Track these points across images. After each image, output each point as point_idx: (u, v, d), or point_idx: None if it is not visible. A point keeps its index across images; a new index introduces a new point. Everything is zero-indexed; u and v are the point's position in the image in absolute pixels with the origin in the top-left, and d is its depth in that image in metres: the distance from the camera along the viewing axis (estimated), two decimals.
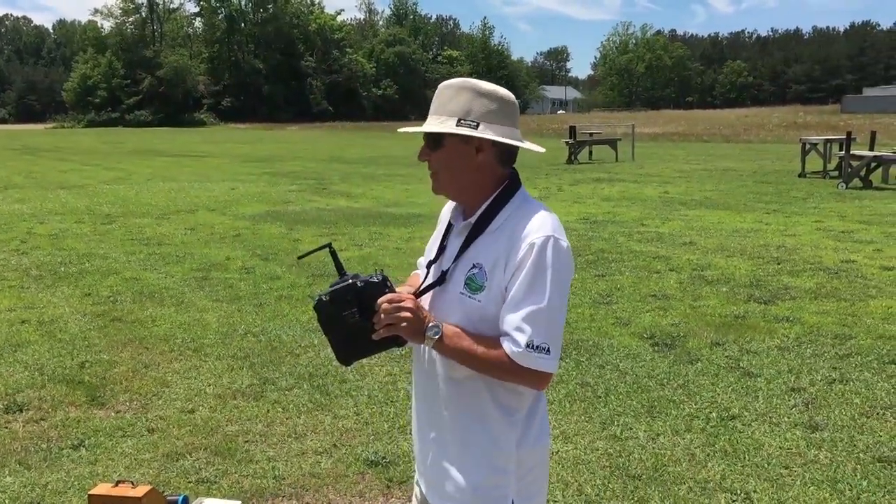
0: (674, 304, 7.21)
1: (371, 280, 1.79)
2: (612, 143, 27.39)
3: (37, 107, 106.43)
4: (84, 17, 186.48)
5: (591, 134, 30.47)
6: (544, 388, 1.86)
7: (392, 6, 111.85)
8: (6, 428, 4.53)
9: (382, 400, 4.94)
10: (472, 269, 1.87)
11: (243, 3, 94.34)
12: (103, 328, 6.60)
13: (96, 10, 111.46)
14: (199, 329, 6.55)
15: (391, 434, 4.42)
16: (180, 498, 3.55)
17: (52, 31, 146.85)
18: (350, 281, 1.80)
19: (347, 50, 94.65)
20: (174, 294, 7.80)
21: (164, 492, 3.58)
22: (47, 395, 5.03)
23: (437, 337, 1.79)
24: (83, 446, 4.26)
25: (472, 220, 1.91)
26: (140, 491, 3.30)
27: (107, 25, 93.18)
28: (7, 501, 3.63)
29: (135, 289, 8.02)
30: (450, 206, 2.04)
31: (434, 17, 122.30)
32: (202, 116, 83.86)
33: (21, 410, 4.77)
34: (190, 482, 3.82)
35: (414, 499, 2.16)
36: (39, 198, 16.55)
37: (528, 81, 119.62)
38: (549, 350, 1.77)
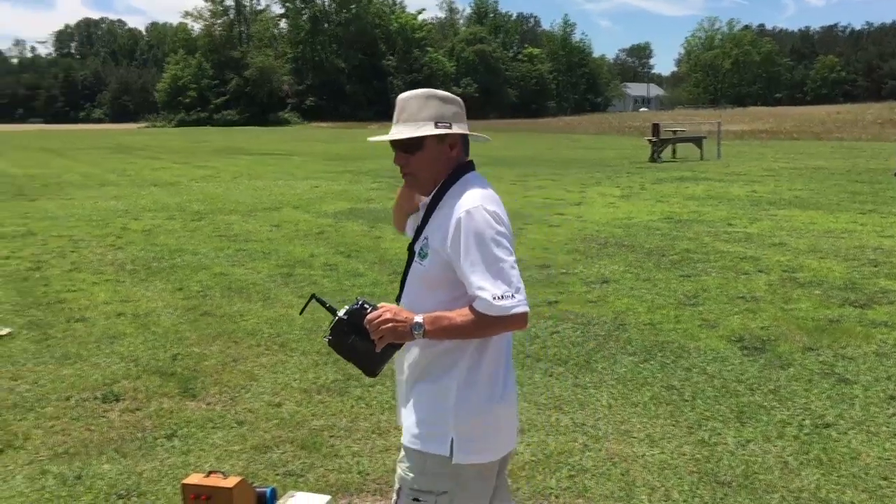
0: (763, 306, 7.00)
1: (352, 309, 2.17)
2: (697, 140, 26.79)
3: (130, 107, 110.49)
4: (175, 20, 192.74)
5: (674, 132, 29.86)
6: (525, 326, 2.11)
7: (473, 5, 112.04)
8: (104, 417, 4.71)
9: None
10: (423, 240, 2.23)
11: (327, 3, 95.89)
12: (194, 322, 6.80)
13: (187, 13, 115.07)
14: (284, 324, 6.68)
15: None
16: (269, 490, 3.63)
17: (144, 33, 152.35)
18: (339, 316, 2.18)
19: (428, 49, 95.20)
20: (260, 290, 7.98)
21: (252, 483, 3.66)
22: (142, 386, 5.21)
23: (421, 332, 2.09)
24: (176, 436, 4.40)
25: (427, 200, 2.27)
26: (231, 482, 3.39)
27: (196, 27, 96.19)
28: (105, 488, 3.77)
29: (223, 284, 8.24)
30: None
31: (515, 14, 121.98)
32: (286, 116, 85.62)
33: (117, 400, 4.95)
34: (278, 475, 3.90)
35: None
36: (133, 195, 17.17)
37: (609, 79, 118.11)
38: (512, 295, 2.05)
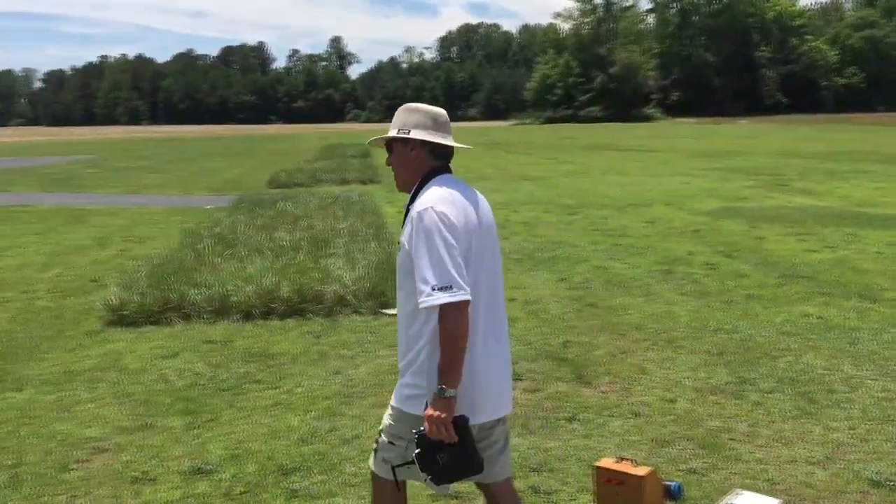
0: None
1: (416, 440, 2.43)
2: None
3: (501, 105, 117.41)
4: (545, 21, 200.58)
5: None
6: (466, 313, 2.36)
7: None
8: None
9: (879, 417, 4.52)
10: (402, 235, 2.54)
11: None
12: (579, 312, 7.04)
13: (557, 14, 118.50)
14: (669, 321, 6.65)
15: (893, 456, 4.02)
16: (675, 484, 3.66)
17: (516, 35, 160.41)
18: (415, 454, 2.44)
19: (807, 37, 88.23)
20: (641, 285, 8.03)
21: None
22: (538, 369, 5.53)
23: (444, 390, 2.37)
24: (576, 420, 4.59)
25: (407, 202, 2.61)
26: (642, 470, 3.47)
27: (565, 27, 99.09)
28: (519, 460, 4.06)
29: (603, 277, 8.42)
30: None
31: None
32: (650, 111, 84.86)
33: (519, 379, 5.30)
34: (679, 471, 3.89)
35: None
36: (509, 188, 18.24)
37: None
38: (451, 286, 2.34)
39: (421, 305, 2.38)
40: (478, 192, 2.69)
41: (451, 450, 2.38)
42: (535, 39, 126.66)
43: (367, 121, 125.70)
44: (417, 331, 2.49)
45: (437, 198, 2.47)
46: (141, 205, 17.00)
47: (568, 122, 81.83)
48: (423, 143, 2.59)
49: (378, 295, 7.15)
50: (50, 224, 14.09)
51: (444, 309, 2.35)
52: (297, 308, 6.96)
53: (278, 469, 4.03)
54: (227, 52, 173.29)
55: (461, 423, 2.39)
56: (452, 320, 2.35)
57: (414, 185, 2.61)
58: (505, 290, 8.16)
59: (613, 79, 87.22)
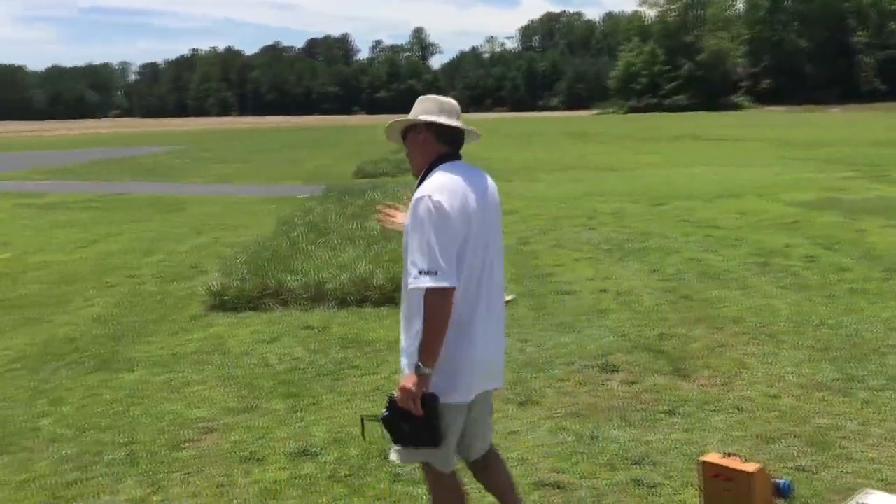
0: None
1: (388, 405, 2.59)
2: None
3: (584, 94, 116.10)
4: (629, 8, 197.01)
5: None
6: (449, 299, 2.49)
7: None
8: (604, 385, 5.03)
9: None
10: (406, 220, 2.64)
11: None
12: (674, 304, 6.93)
13: (643, 1, 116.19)
14: (768, 315, 6.48)
15: None
16: (784, 482, 3.58)
17: (599, 23, 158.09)
18: (383, 416, 2.61)
19: None
20: (736, 277, 7.84)
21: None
22: (635, 361, 5.46)
23: (422, 368, 2.50)
24: (676, 413, 4.52)
25: (415, 185, 2.69)
26: (751, 467, 3.40)
27: (651, 14, 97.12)
28: (619, 451, 4.03)
29: (697, 269, 8.26)
30: None
31: None
32: (738, 100, 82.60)
33: (615, 371, 5.25)
34: (787, 468, 3.79)
35: None
36: (594, 178, 18.04)
37: None
38: (437, 272, 2.45)
39: (408, 287, 2.55)
40: (487, 175, 2.80)
41: (414, 422, 2.54)
42: (618, 27, 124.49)
43: None
44: (417, 309, 2.58)
45: (435, 186, 2.58)
46: (232, 194, 17.49)
47: (653, 111, 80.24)
48: (429, 126, 2.72)
49: None
50: (148, 212, 14.65)
51: (429, 293, 2.48)
52: (391, 296, 7.04)
53: (380, 453, 4.09)
54: (312, 44, 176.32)
55: (430, 401, 2.52)
56: (436, 305, 2.49)
57: (422, 170, 2.73)
58: (597, 280, 8.13)
59: (701, 66, 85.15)
